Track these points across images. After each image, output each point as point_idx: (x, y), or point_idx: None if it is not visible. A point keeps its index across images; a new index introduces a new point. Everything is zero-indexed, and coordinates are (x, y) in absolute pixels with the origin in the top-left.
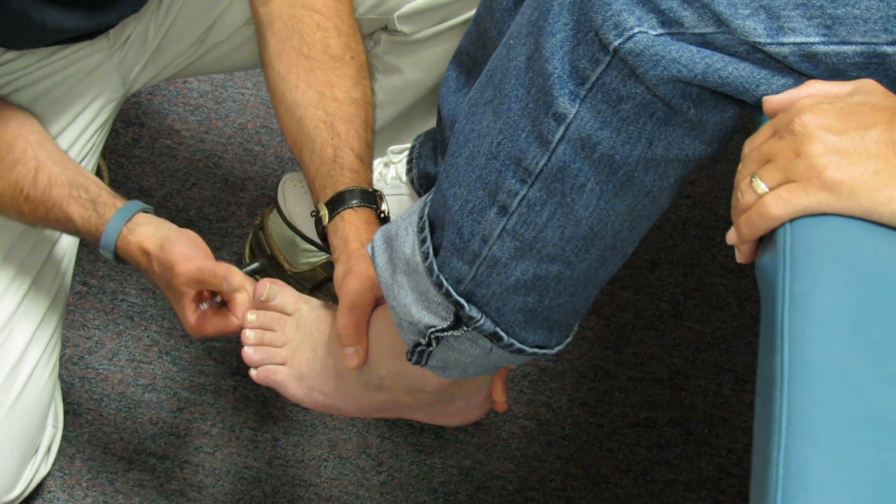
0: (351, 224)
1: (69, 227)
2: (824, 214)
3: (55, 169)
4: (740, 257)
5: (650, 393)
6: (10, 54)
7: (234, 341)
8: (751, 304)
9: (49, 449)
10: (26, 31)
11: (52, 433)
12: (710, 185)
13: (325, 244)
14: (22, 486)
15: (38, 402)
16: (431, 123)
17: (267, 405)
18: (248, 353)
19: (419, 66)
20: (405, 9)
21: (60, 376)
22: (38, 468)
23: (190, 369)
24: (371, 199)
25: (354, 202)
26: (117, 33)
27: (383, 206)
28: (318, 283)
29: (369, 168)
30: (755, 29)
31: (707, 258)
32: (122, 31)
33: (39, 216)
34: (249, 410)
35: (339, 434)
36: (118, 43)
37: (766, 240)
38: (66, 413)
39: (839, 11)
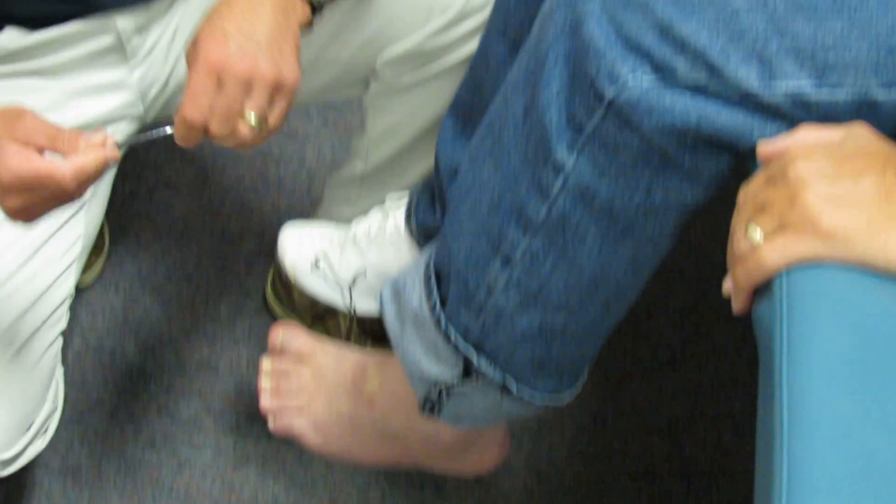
0: None
1: None
2: (820, 262)
3: None
4: (737, 307)
5: (649, 443)
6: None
7: (233, 399)
8: (748, 350)
9: (46, 428)
10: None
11: (51, 409)
12: (705, 230)
13: None
14: (17, 449)
15: (43, 362)
16: (425, 166)
17: (267, 463)
18: (265, 401)
19: (407, 109)
20: (386, 55)
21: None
22: (33, 439)
23: (189, 427)
24: None
25: None
26: (136, 47)
27: None
28: (319, 315)
29: None
30: (748, 77)
31: (703, 304)
32: (141, 44)
33: None
34: (249, 468)
35: (340, 491)
36: (137, 58)
37: (762, 289)
38: (64, 475)
39: (830, 57)
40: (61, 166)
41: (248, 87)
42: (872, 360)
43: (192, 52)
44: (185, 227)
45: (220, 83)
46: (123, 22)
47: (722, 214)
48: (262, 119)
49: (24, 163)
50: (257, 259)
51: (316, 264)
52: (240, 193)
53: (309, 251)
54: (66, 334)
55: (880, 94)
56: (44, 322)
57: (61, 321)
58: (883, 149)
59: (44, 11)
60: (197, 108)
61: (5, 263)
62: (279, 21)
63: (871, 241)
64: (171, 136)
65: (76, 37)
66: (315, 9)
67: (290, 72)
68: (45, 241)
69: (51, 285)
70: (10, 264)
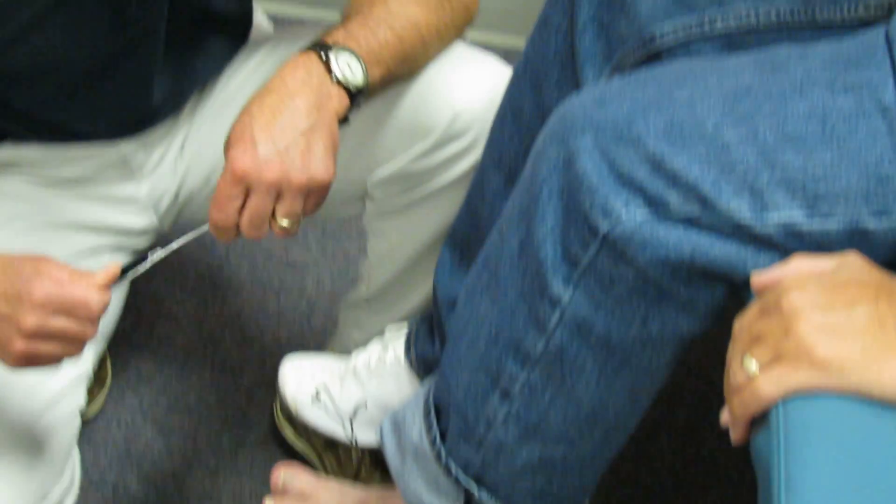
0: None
1: None
2: (816, 392)
3: None
4: (735, 437)
5: None
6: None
7: None
8: (750, 471)
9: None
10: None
11: (67, 486)
12: (706, 352)
13: None
14: None
15: (60, 435)
16: (428, 288)
17: None
18: None
19: (402, 231)
20: (376, 177)
21: None
22: None
23: None
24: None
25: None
26: (141, 163)
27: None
28: (330, 441)
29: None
30: (740, 208)
31: (705, 427)
32: (146, 160)
33: None
34: None
35: None
36: (144, 173)
37: (759, 419)
38: None
39: (820, 188)
40: (94, 296)
41: (277, 192)
42: (869, 491)
43: (224, 152)
44: (186, 360)
45: (248, 190)
46: (126, 145)
47: (722, 335)
48: (294, 219)
49: (62, 286)
50: (258, 390)
51: (317, 396)
52: (240, 325)
53: (310, 384)
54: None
55: (871, 223)
56: (58, 397)
57: (78, 399)
58: (875, 278)
59: (47, 137)
60: (223, 213)
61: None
62: (312, 117)
63: (866, 371)
64: (209, 233)
65: (78, 156)
66: (353, 96)
67: (320, 172)
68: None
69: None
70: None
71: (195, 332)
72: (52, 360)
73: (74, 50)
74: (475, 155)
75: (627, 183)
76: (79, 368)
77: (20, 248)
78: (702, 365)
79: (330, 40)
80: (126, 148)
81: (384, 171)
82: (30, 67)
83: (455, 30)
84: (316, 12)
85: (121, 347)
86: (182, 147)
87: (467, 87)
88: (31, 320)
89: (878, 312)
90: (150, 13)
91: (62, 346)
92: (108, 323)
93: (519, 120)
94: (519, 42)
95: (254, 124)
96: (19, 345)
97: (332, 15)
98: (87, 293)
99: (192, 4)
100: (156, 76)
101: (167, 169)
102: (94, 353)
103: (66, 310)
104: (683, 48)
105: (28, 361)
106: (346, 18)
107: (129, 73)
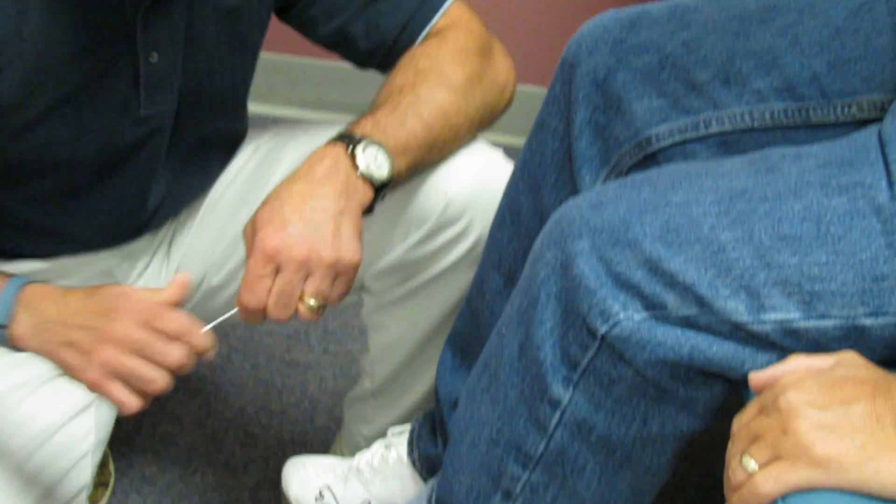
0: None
1: None
2: (814, 489)
3: None
4: None
5: None
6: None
7: None
8: None
9: None
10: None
11: None
12: (708, 444)
13: None
14: None
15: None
16: (431, 378)
17: None
18: None
19: (402, 322)
20: (373, 269)
21: None
22: None
23: None
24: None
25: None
26: (126, 272)
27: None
28: None
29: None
30: (737, 309)
31: None
32: (130, 270)
33: None
34: None
35: None
36: (129, 281)
37: None
38: None
39: (816, 287)
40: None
41: (306, 271)
42: None
43: (251, 234)
44: (190, 460)
45: (278, 269)
46: (110, 257)
47: (724, 428)
48: (322, 300)
49: (139, 302)
50: (262, 490)
51: (320, 496)
52: (243, 425)
53: (313, 484)
54: None
55: (868, 321)
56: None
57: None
58: (872, 375)
59: (42, 250)
60: (253, 295)
61: (19, 446)
62: (339, 203)
63: (863, 468)
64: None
65: (63, 271)
66: (377, 191)
67: (349, 253)
68: (56, 431)
69: (67, 472)
70: (22, 450)
71: (198, 433)
72: (136, 370)
73: (79, 146)
74: (469, 240)
75: (625, 285)
76: (79, 482)
77: (11, 362)
78: (704, 458)
79: (358, 131)
80: (110, 260)
81: (381, 263)
82: (36, 161)
83: (488, 111)
84: (297, 112)
85: (124, 449)
86: (168, 254)
87: (458, 174)
88: (119, 328)
89: (876, 409)
90: (157, 113)
91: (140, 362)
92: (104, 423)
93: (517, 222)
94: (517, 141)
95: (284, 207)
96: (104, 353)
97: (310, 115)
98: (160, 305)
99: (198, 122)
100: (154, 184)
101: (152, 277)
102: (91, 462)
103: (145, 321)
104: (679, 149)
105: (114, 371)
106: (376, 105)
107: (131, 176)
